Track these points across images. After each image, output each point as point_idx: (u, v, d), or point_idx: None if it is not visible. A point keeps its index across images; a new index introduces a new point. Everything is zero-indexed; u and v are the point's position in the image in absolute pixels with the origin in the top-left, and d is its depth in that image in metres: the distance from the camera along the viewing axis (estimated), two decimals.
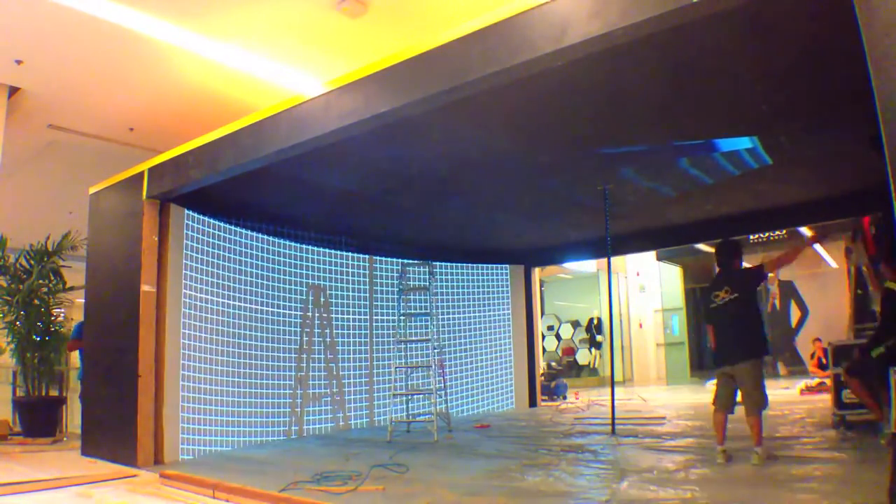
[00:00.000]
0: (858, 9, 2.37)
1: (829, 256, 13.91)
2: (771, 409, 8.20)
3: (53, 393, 8.48)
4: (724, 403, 4.91)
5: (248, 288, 7.04)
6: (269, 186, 6.23)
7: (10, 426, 8.12)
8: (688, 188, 6.76)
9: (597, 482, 4.24)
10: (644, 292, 16.30)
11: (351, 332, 8.30)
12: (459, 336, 9.54)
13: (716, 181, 6.50)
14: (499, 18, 3.59)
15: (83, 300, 7.06)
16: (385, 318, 8.69)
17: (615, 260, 9.63)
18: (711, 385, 10.71)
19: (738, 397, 4.91)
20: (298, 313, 7.70)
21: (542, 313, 15.23)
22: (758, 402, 4.70)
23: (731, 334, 4.90)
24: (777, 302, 14.60)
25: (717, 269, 5.31)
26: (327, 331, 8.03)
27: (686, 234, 9.09)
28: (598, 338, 16.30)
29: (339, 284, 8.24)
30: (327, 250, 8.17)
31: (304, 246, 7.88)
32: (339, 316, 8.19)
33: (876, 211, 7.32)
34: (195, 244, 6.35)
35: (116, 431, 5.84)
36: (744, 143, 5.39)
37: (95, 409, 6.37)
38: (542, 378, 11.55)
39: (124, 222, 6.25)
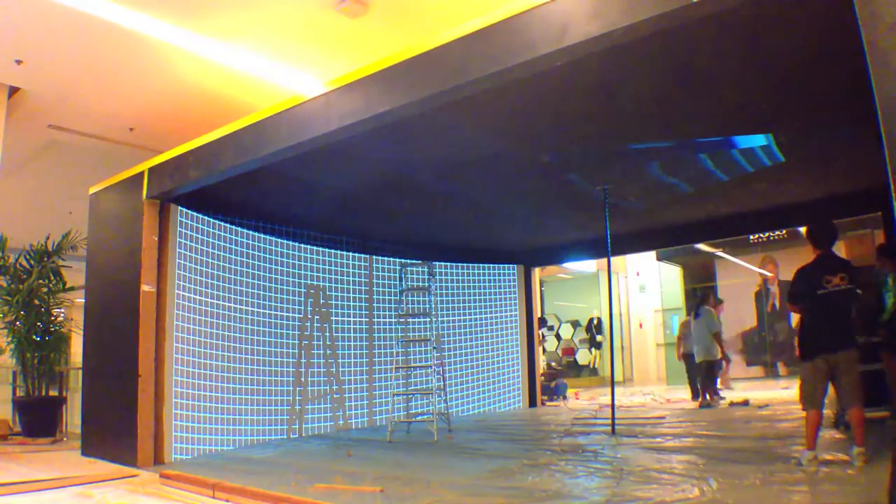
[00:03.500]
0: (858, 9, 2.37)
1: None
2: (770, 408, 8.23)
3: (53, 393, 8.48)
4: (817, 400, 4.50)
5: (248, 288, 7.03)
6: (269, 186, 6.23)
7: (10, 426, 8.12)
8: (695, 187, 6.77)
9: (597, 482, 4.24)
10: (644, 292, 16.30)
11: (351, 332, 8.29)
12: (464, 336, 9.54)
13: (723, 180, 6.50)
14: (499, 18, 3.59)
15: (83, 300, 7.06)
16: (385, 318, 8.69)
17: (615, 260, 9.63)
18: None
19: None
20: (298, 314, 7.69)
21: (542, 313, 15.23)
22: (861, 393, 4.44)
23: (841, 323, 4.49)
24: (777, 302, 14.58)
25: (815, 253, 4.71)
26: (327, 331, 8.03)
27: (686, 234, 9.10)
28: (598, 338, 16.30)
29: (338, 285, 8.23)
30: (327, 250, 8.17)
31: (303, 246, 7.88)
32: (339, 317, 8.18)
33: (876, 211, 7.33)
34: (195, 244, 6.34)
35: (116, 431, 5.84)
36: (758, 140, 5.38)
37: (95, 409, 6.37)
38: (542, 378, 11.56)
39: (124, 222, 6.25)
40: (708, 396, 9.21)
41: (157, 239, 5.96)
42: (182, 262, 6.13)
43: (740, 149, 5.62)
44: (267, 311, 7.26)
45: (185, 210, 6.22)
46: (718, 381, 10.23)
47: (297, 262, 7.76)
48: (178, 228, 6.12)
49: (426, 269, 8.21)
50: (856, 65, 2.47)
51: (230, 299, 6.75)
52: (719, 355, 9.44)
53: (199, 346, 6.25)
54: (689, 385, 10.19)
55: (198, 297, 6.30)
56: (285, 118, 4.82)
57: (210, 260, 6.53)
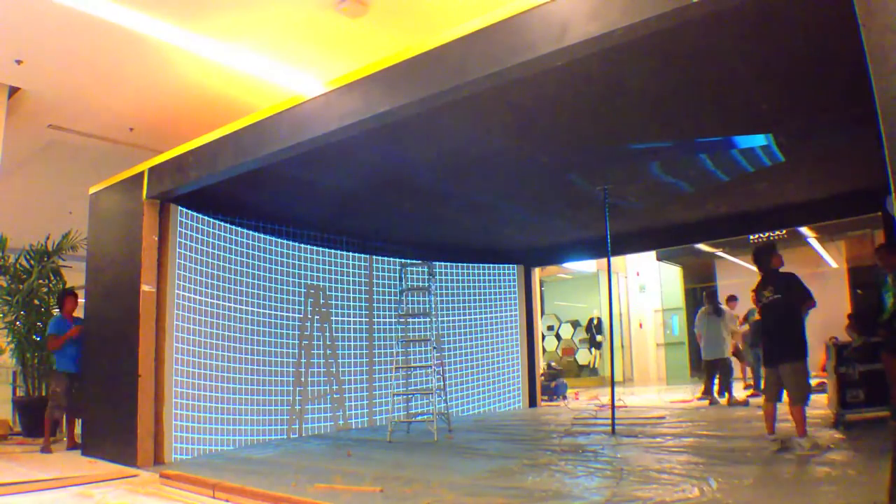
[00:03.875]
0: (858, 9, 2.37)
1: (829, 256, 13.91)
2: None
3: None
4: (771, 394, 5.24)
5: (248, 288, 7.03)
6: (269, 186, 6.23)
7: (10, 426, 8.12)
8: (695, 187, 6.77)
9: (597, 482, 4.24)
10: (644, 292, 16.29)
11: (351, 332, 8.29)
12: (464, 336, 9.54)
13: (722, 181, 6.52)
14: (499, 18, 3.59)
15: (83, 300, 7.06)
16: (385, 318, 8.69)
17: (615, 260, 9.63)
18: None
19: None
20: (298, 314, 7.69)
21: (542, 313, 15.22)
22: (800, 395, 5.04)
23: (781, 333, 5.20)
24: None
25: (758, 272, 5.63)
26: (327, 331, 8.03)
27: (686, 234, 9.09)
28: (598, 338, 16.29)
29: (338, 285, 8.23)
30: (327, 250, 8.17)
31: (303, 246, 7.88)
32: (339, 317, 8.18)
33: (876, 211, 7.33)
34: (195, 244, 6.34)
35: (116, 431, 5.84)
36: (758, 140, 5.38)
37: (96, 409, 6.37)
38: (542, 378, 11.55)
39: (124, 222, 6.25)
40: (727, 395, 9.17)
41: (157, 239, 5.96)
42: (182, 262, 6.13)
43: (740, 149, 5.63)
44: (267, 311, 7.25)
45: (185, 210, 6.23)
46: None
47: (297, 262, 7.76)
48: (178, 228, 6.12)
49: (426, 269, 8.21)
50: (856, 65, 2.47)
51: (230, 299, 6.75)
52: (727, 353, 9.41)
53: (200, 345, 6.25)
54: (705, 384, 10.06)
55: (198, 297, 6.30)
56: (285, 118, 4.82)
57: (210, 260, 6.53)
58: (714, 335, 9.29)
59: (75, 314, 7.19)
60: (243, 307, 6.93)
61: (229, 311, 6.72)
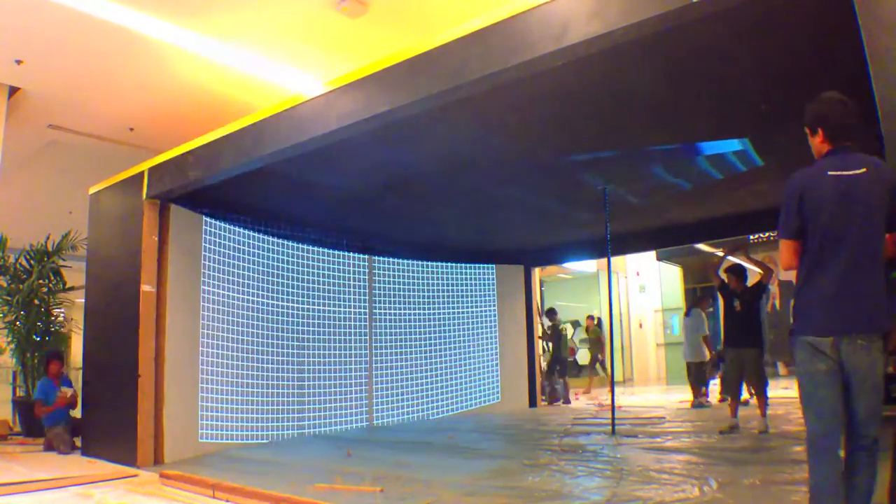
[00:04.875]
0: (858, 9, 2.37)
1: None
2: (770, 408, 8.22)
3: None
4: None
5: (248, 289, 7.03)
6: (269, 186, 6.23)
7: (10, 426, 8.11)
8: (694, 187, 6.79)
9: (597, 482, 4.24)
10: (644, 292, 16.30)
11: (351, 331, 8.28)
12: (464, 336, 9.52)
13: (701, 185, 6.57)
14: (499, 18, 3.59)
15: (83, 300, 7.06)
16: (385, 318, 8.68)
17: (615, 260, 9.63)
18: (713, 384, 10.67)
19: None
20: (298, 313, 7.68)
21: (542, 313, 15.20)
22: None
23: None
24: (777, 302, 14.57)
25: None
26: (327, 330, 8.02)
27: (686, 234, 9.09)
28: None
29: (339, 283, 8.22)
30: (327, 250, 8.17)
31: (303, 246, 7.88)
32: (340, 317, 8.17)
33: None
34: (195, 244, 6.34)
35: (116, 431, 5.83)
36: (733, 145, 5.40)
37: (95, 409, 6.37)
38: (543, 378, 11.52)
39: (124, 222, 6.24)
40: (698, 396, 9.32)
41: (157, 239, 5.96)
42: (182, 261, 6.12)
43: (707, 155, 5.65)
44: (266, 311, 7.25)
45: (185, 210, 6.22)
46: None
47: (297, 261, 7.76)
48: (178, 229, 6.12)
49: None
50: (855, 65, 2.47)
51: (230, 298, 6.75)
52: (708, 356, 9.51)
53: (200, 345, 6.25)
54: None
55: (198, 296, 6.29)
56: (285, 118, 4.82)
57: (209, 262, 6.52)
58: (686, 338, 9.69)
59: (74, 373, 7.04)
60: (243, 306, 6.92)
61: (229, 310, 6.71)
